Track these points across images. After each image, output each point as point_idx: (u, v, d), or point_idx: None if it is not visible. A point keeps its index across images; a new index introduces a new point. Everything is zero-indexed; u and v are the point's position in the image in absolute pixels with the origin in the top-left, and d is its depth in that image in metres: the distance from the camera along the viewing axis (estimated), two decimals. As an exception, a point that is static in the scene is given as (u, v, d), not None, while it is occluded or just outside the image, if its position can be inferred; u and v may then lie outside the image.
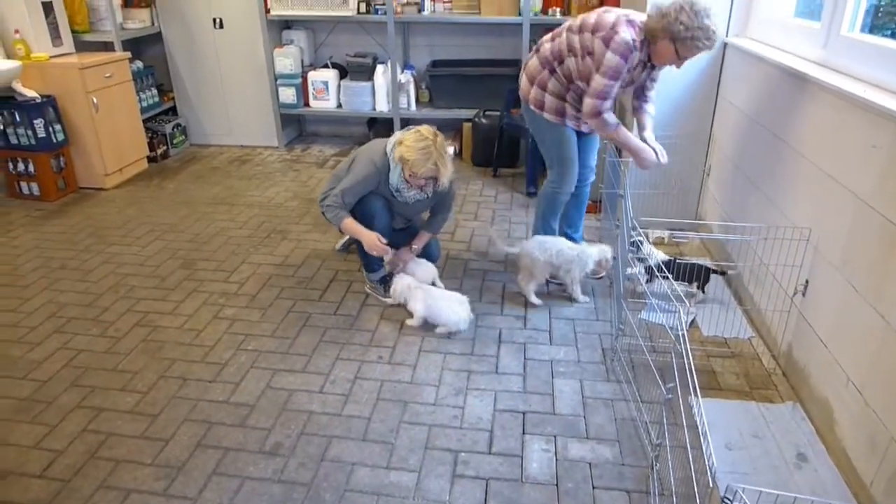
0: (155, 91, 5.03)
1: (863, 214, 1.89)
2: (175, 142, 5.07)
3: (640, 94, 2.75)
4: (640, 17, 2.47)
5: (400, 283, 2.79)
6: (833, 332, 2.06)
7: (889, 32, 2.17)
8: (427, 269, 2.99)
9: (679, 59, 2.42)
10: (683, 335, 1.74)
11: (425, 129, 2.70)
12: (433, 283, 2.94)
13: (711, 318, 2.71)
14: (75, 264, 3.30)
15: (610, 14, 2.47)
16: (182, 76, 5.08)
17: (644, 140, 2.70)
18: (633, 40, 2.39)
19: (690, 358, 1.73)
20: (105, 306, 2.90)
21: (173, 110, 5.24)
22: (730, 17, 3.10)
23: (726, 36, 3.12)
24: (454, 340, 2.63)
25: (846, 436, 1.95)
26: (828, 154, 2.13)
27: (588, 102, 2.52)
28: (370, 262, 2.92)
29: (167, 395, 2.32)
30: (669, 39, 2.36)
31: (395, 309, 2.86)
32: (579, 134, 2.85)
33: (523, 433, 2.14)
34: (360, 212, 2.81)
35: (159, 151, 4.89)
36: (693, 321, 2.71)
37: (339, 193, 2.76)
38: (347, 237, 3.31)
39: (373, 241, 2.76)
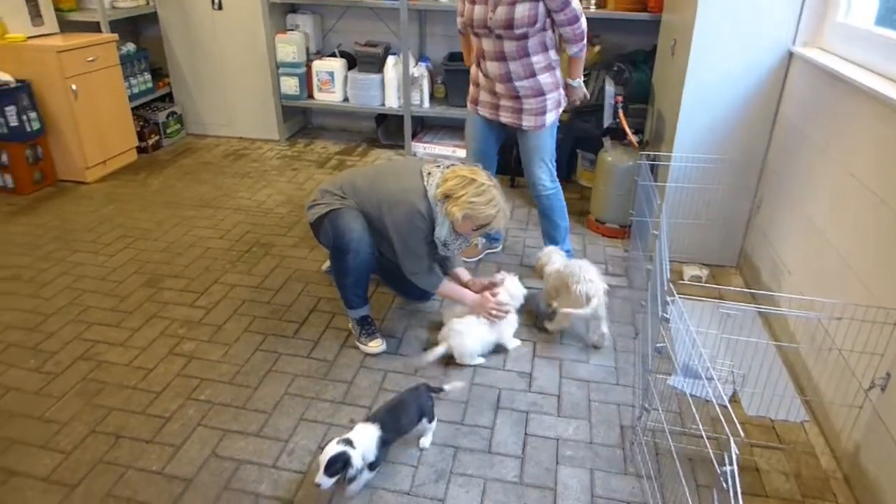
0: (148, 76, 4.64)
1: (985, 309, 1.40)
2: (170, 131, 4.68)
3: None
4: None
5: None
6: (924, 450, 1.59)
7: None
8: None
9: None
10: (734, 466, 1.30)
11: (476, 174, 2.23)
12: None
13: (756, 392, 2.23)
14: (30, 274, 2.95)
15: None
16: (179, 61, 4.68)
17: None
18: None
19: (735, 463, 1.31)
20: (51, 331, 2.54)
21: (169, 97, 4.85)
22: (800, 16, 2.53)
23: (793, 44, 2.58)
24: (443, 403, 2.19)
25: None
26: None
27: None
28: (349, 296, 2.43)
29: (93, 458, 1.94)
30: None
31: (378, 357, 2.44)
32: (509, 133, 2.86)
33: (514, 546, 1.71)
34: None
35: (150, 142, 4.52)
36: (734, 394, 2.24)
37: (423, 259, 2.30)
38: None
39: (486, 302, 2.38)
